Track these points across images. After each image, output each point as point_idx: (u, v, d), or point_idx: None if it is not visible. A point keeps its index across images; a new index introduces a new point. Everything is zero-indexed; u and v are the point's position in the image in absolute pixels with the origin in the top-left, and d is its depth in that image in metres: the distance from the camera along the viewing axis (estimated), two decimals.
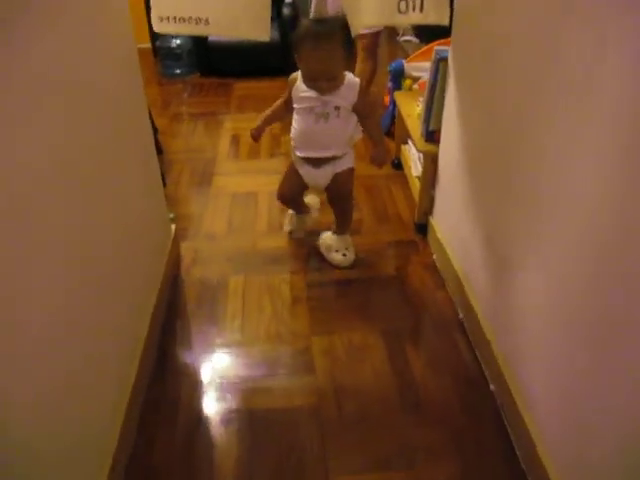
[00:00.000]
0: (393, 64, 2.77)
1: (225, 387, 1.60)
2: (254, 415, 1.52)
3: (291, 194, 2.10)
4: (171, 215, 2.18)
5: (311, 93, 1.78)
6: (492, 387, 1.56)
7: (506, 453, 1.40)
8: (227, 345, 1.75)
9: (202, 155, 3.01)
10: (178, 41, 4.15)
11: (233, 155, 3.03)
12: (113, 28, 1.54)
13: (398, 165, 2.72)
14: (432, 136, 2.06)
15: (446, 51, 1.85)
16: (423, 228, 2.21)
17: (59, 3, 1.15)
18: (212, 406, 1.55)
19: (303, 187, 2.04)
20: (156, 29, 1.70)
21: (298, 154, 1.93)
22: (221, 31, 1.78)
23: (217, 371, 1.66)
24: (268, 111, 1.98)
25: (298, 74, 1.82)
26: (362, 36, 2.80)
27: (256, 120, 2.03)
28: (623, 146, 0.91)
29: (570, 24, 1.06)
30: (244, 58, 4.08)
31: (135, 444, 1.42)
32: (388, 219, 2.38)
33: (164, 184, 2.26)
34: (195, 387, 1.61)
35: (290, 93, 1.86)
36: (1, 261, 0.87)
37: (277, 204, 2.30)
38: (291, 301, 1.91)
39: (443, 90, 1.90)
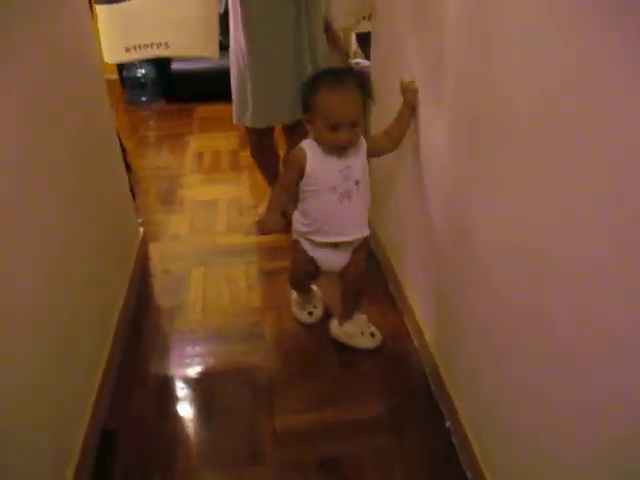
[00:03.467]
0: None
1: (188, 353, 1.89)
2: (213, 375, 1.81)
3: (306, 280, 1.93)
4: (139, 220, 2.47)
5: (331, 164, 1.58)
6: (415, 342, 1.87)
7: (425, 394, 1.71)
8: (190, 322, 2.04)
9: (168, 171, 3.32)
10: (143, 71, 4.47)
11: (196, 170, 3.35)
12: (84, 61, 1.83)
13: None
14: None
15: (368, 67, 2.20)
16: None
17: (35, 44, 1.45)
18: (177, 369, 1.84)
19: (317, 271, 1.82)
20: (124, 59, 2.03)
21: (318, 239, 1.70)
22: (179, 52, 2.12)
23: (182, 342, 1.95)
24: (275, 207, 1.65)
25: (305, 147, 1.61)
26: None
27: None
28: None
29: None
30: (204, 84, 4.40)
31: (111, 396, 1.70)
32: None
33: (134, 196, 2.54)
34: (163, 355, 1.89)
35: (295, 175, 1.61)
36: None
37: (235, 208, 2.61)
38: (246, 286, 2.22)
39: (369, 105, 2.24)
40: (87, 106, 1.83)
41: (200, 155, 3.53)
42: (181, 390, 1.76)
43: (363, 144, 1.64)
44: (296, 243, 1.78)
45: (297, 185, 1.64)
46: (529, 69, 1.01)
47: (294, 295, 2.02)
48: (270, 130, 2.37)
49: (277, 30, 2.08)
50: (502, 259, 1.19)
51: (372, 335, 1.86)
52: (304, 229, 1.71)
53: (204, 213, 2.78)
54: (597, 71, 0.81)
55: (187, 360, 1.86)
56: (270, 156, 2.51)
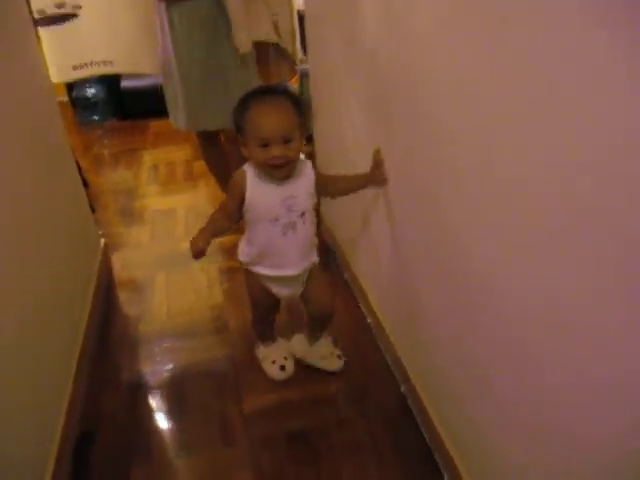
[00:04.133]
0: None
1: (157, 352, 1.98)
2: (182, 369, 1.90)
3: (269, 313, 1.80)
4: (100, 232, 2.54)
5: (272, 193, 1.47)
6: (369, 320, 2.00)
7: (383, 368, 1.83)
8: (156, 324, 2.12)
9: (125, 185, 3.39)
10: (93, 90, 4.50)
11: (153, 181, 3.43)
12: (33, 81, 1.91)
13: None
14: (310, 140, 2.51)
15: (307, 68, 2.32)
16: None
17: None
18: (147, 367, 1.92)
19: (277, 301, 1.73)
20: (72, 77, 2.11)
21: (262, 272, 1.61)
22: (125, 69, 2.22)
23: (149, 342, 2.03)
24: (209, 229, 1.52)
25: (246, 170, 1.50)
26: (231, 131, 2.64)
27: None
28: None
29: None
30: (155, 100, 4.43)
31: (85, 401, 1.77)
32: None
33: (93, 211, 2.61)
34: (132, 357, 1.97)
35: (235, 201, 1.51)
36: None
37: (193, 215, 2.71)
38: (208, 285, 2.32)
39: (309, 99, 2.37)
40: (39, 125, 1.90)
41: (155, 167, 3.61)
42: (152, 386, 1.85)
43: (310, 173, 1.53)
44: (247, 271, 1.67)
45: (240, 211, 1.52)
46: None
47: (260, 350, 1.87)
48: (214, 135, 2.49)
49: (197, 34, 2.17)
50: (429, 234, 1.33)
51: (339, 357, 1.82)
52: (246, 259, 1.62)
53: (163, 221, 2.87)
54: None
55: (156, 358, 1.95)
56: (219, 160, 2.63)
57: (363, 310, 2.06)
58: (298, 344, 1.85)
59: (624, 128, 0.65)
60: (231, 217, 1.54)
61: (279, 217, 1.49)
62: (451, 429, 1.43)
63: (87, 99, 4.53)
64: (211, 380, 1.84)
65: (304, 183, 1.52)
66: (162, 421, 1.73)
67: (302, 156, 1.53)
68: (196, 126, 2.41)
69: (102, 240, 2.48)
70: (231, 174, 2.57)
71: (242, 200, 1.50)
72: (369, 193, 1.68)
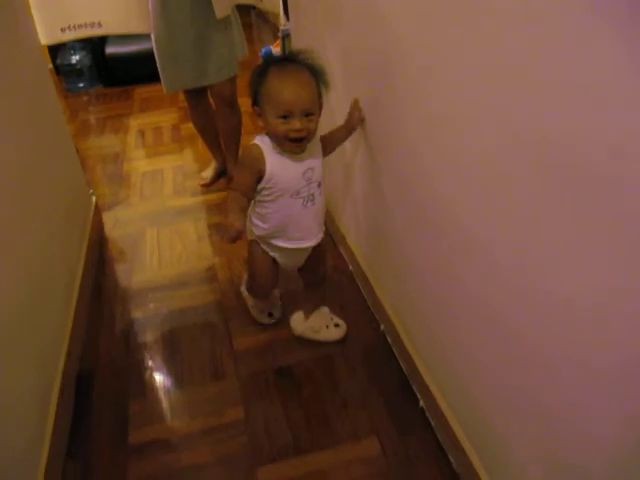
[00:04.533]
0: (263, 49, 3.32)
1: (149, 299, 2.09)
2: (173, 314, 2.01)
3: (272, 282, 1.75)
4: (91, 191, 2.62)
5: (292, 167, 1.42)
6: (350, 267, 2.11)
7: (362, 307, 1.95)
8: (147, 274, 2.23)
9: (112, 149, 3.46)
10: (77, 57, 4.52)
11: (140, 146, 3.49)
12: (23, 43, 1.96)
13: None
14: None
15: (288, 29, 2.40)
16: None
17: None
18: (140, 313, 2.03)
19: (277, 270, 1.70)
20: (59, 39, 2.15)
21: (280, 245, 1.56)
22: (113, 30, 2.26)
23: (142, 291, 2.14)
24: (235, 208, 1.37)
25: (259, 145, 1.42)
26: (222, 87, 2.53)
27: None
28: None
29: None
30: (140, 66, 4.49)
31: (82, 345, 1.88)
32: None
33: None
34: (125, 304, 2.08)
35: (253, 177, 1.42)
36: None
37: (180, 174, 2.80)
38: (197, 238, 2.42)
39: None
40: (32, 88, 1.97)
41: (142, 132, 3.67)
42: (145, 330, 1.96)
43: (317, 143, 1.51)
44: (254, 243, 1.63)
45: (255, 190, 1.45)
46: None
47: (250, 301, 1.92)
48: (202, 93, 2.57)
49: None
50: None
51: (336, 326, 1.83)
52: (262, 233, 1.56)
53: (151, 181, 2.95)
54: None
55: (149, 305, 2.06)
56: (206, 119, 2.71)
57: (344, 257, 2.18)
58: (296, 323, 1.85)
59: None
60: (249, 194, 1.45)
61: (300, 191, 1.45)
62: (425, 359, 1.55)
63: (72, 66, 4.55)
64: (202, 324, 1.95)
65: (317, 152, 1.50)
66: (156, 360, 1.84)
67: None
68: (184, 84, 2.49)
69: (93, 198, 2.56)
70: (217, 133, 2.73)
71: (259, 176, 1.42)
72: (348, 144, 1.77)
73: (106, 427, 1.61)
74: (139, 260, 2.32)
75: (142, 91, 4.46)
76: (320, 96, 1.40)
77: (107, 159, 3.32)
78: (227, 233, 1.33)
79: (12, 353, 1.37)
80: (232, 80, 2.50)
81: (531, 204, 0.89)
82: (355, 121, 1.63)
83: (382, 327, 1.83)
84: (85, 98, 4.53)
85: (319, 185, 1.50)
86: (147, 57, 4.31)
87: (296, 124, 1.33)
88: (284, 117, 1.34)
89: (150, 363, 1.82)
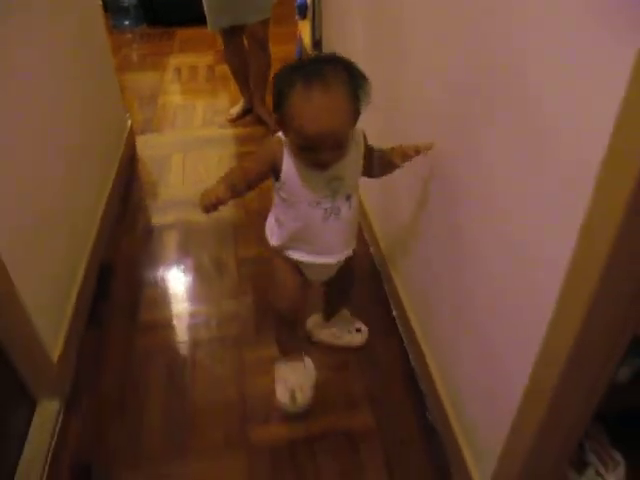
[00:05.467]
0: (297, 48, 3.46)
1: (170, 210, 2.34)
2: (188, 225, 2.26)
3: (296, 298, 1.44)
4: (127, 114, 2.86)
5: (314, 175, 1.20)
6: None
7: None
8: (171, 191, 2.48)
9: (149, 82, 3.70)
10: None
11: (176, 81, 3.72)
12: None
13: None
14: (319, 44, 2.78)
15: None
16: None
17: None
18: (160, 220, 2.29)
19: (305, 284, 1.44)
20: None
21: (294, 256, 1.35)
22: None
23: (165, 203, 2.39)
24: (225, 181, 1.18)
25: (283, 141, 1.21)
26: (256, 28, 2.69)
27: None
28: None
29: None
30: (184, 8, 4.68)
31: (107, 239, 2.15)
32: None
33: None
34: (148, 212, 2.34)
35: (264, 172, 1.24)
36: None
37: (211, 109, 3.03)
38: (218, 163, 2.66)
39: (320, 7, 2.62)
40: (84, 21, 2.20)
41: (179, 70, 3.89)
42: (162, 235, 2.21)
43: (360, 142, 1.27)
44: (273, 252, 1.40)
45: (262, 181, 1.26)
46: None
47: (279, 366, 1.57)
48: (235, 34, 2.76)
49: None
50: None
51: (358, 330, 1.70)
52: (278, 243, 1.35)
53: (183, 114, 3.19)
54: None
55: (169, 216, 2.31)
56: (238, 57, 2.91)
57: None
58: (315, 327, 1.72)
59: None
60: (250, 183, 1.24)
61: (322, 201, 1.23)
62: (402, 276, 1.77)
63: (120, 3, 4.76)
64: (212, 234, 2.20)
65: (353, 158, 1.24)
66: (169, 258, 2.10)
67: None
68: (226, 22, 2.68)
69: (129, 122, 2.80)
70: (248, 73, 2.92)
71: (271, 171, 1.24)
72: None
73: (121, 307, 1.88)
74: (164, 178, 2.56)
75: (184, 33, 4.65)
76: (358, 112, 1.15)
77: (144, 91, 3.55)
78: (206, 198, 1.16)
79: (50, 227, 1.63)
80: (265, 22, 2.68)
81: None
82: (411, 153, 1.30)
83: (371, 249, 2.04)
84: (129, 35, 4.75)
85: (348, 198, 1.26)
86: (191, 0, 4.56)
87: (322, 158, 1.14)
88: (308, 149, 1.13)
89: (164, 260, 2.08)
